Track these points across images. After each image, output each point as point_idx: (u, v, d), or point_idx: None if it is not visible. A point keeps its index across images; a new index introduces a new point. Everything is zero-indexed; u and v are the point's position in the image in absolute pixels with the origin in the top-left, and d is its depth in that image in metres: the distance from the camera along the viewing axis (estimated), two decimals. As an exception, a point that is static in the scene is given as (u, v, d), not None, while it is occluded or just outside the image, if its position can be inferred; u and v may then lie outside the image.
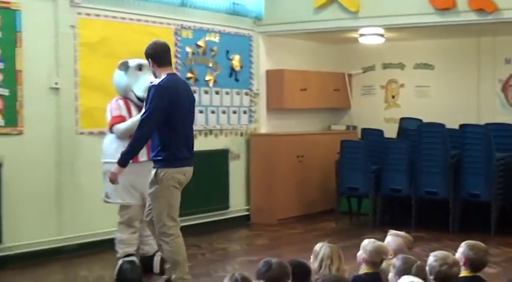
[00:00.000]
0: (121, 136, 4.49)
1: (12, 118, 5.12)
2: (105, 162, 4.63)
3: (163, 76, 3.88)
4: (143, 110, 3.93)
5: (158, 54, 3.96)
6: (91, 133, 5.63)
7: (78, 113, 5.57)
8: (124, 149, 3.92)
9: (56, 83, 5.43)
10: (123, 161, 3.89)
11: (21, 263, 5.12)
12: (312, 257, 3.19)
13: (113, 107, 4.60)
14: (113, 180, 4.03)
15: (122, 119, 4.53)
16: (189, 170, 4.04)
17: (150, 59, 3.94)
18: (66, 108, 5.46)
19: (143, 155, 4.38)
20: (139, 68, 4.60)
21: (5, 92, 5.17)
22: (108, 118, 4.63)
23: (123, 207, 4.69)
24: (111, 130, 4.70)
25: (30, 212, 5.24)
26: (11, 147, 5.14)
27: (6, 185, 5.05)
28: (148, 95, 3.83)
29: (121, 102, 4.58)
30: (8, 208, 5.04)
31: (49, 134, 5.40)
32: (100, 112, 5.18)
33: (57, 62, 5.36)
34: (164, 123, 3.79)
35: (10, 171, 5.09)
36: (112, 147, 4.54)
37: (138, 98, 4.55)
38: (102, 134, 5.24)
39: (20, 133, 5.21)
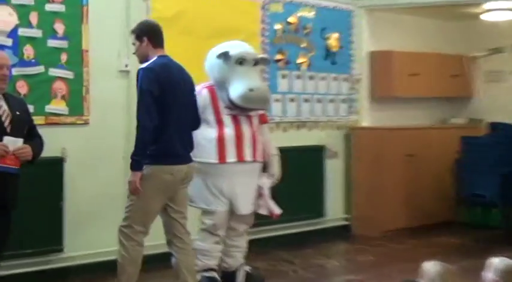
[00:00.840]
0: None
1: (77, 105, 4.95)
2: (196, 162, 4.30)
3: (154, 59, 3.74)
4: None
5: (156, 32, 3.83)
6: None
7: None
8: (133, 151, 3.69)
9: (126, 65, 5.17)
10: (136, 165, 3.69)
11: (85, 275, 4.94)
12: (419, 279, 2.87)
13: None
14: (135, 191, 3.77)
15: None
16: (180, 169, 3.83)
17: (145, 37, 3.76)
18: (135, 94, 4.78)
19: (247, 155, 4.24)
20: (241, 61, 4.23)
21: (69, 74, 4.98)
22: None
23: (207, 213, 4.43)
24: None
25: (97, 216, 5.04)
26: (75, 139, 4.94)
27: (69, 183, 4.87)
28: (137, 80, 3.67)
29: (205, 92, 4.24)
30: (70, 211, 4.88)
31: (118, 124, 5.15)
32: None
33: (127, 41, 4.91)
34: (161, 113, 3.66)
35: (74, 167, 4.90)
36: (202, 144, 4.24)
37: (231, 102, 4.22)
38: None
39: (86, 123, 5.02)
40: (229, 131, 4.21)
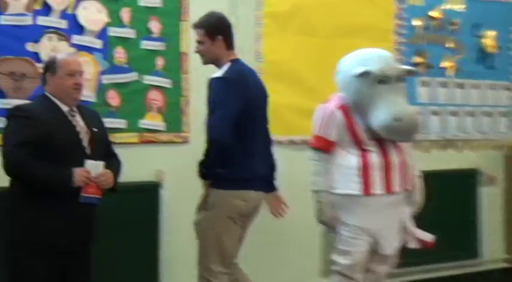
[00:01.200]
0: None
1: (175, 120, 4.53)
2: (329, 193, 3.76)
3: (227, 64, 3.37)
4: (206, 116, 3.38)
5: (231, 30, 3.46)
6: (278, 142, 4.73)
7: None
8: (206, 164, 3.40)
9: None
10: (203, 175, 3.42)
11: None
12: None
13: (322, 116, 3.67)
14: None
15: (327, 144, 3.64)
16: (257, 196, 3.48)
17: (220, 36, 3.40)
18: None
19: (396, 185, 3.67)
20: (383, 79, 3.60)
21: (166, 83, 4.54)
22: (313, 131, 3.72)
23: (342, 252, 3.77)
24: (311, 151, 3.85)
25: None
26: (173, 160, 4.51)
27: (167, 211, 4.43)
28: (210, 91, 3.33)
29: (339, 114, 3.62)
30: (168, 244, 4.46)
31: None
32: (292, 113, 4.78)
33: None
34: (238, 129, 3.33)
35: (172, 193, 4.49)
36: (338, 172, 3.72)
37: (372, 130, 3.65)
38: (294, 144, 4.80)
39: (185, 141, 4.58)
40: (374, 157, 3.68)
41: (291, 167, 4.44)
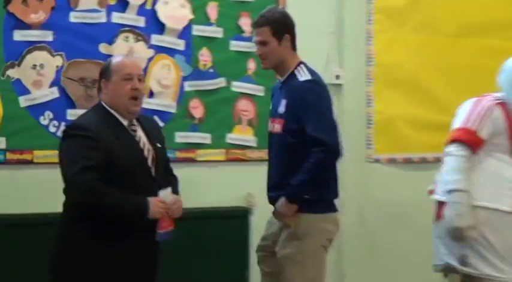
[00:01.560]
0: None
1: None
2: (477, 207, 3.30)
3: (304, 67, 3.24)
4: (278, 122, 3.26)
5: (295, 28, 3.29)
6: (391, 161, 4.66)
7: (372, 127, 4.65)
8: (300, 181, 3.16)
9: (338, 76, 4.53)
10: (298, 196, 3.18)
11: None
12: None
13: (473, 109, 3.33)
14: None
15: (475, 140, 3.26)
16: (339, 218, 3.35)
17: (287, 35, 3.22)
18: (352, 118, 4.57)
19: None
20: None
21: (259, 90, 4.31)
22: (456, 124, 3.35)
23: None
24: (451, 145, 3.33)
25: None
26: (265, 181, 3.99)
27: (257, 239, 3.99)
28: (299, 96, 3.16)
29: (498, 111, 3.32)
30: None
31: None
32: (408, 126, 4.58)
33: (338, 42, 4.53)
34: None
35: (263, 218, 3.99)
36: (487, 182, 3.28)
37: None
38: (410, 163, 4.58)
39: None
40: None
41: (407, 190, 4.42)
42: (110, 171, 2.72)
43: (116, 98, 2.83)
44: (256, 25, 3.25)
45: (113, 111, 2.84)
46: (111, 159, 2.73)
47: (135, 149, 2.84)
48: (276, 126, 3.22)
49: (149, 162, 2.86)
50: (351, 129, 4.55)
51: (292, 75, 3.22)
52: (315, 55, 4.31)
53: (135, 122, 2.90)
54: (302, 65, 3.25)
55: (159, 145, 2.93)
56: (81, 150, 2.71)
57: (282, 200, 3.15)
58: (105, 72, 2.87)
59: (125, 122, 2.86)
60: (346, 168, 4.41)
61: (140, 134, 2.89)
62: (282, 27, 3.22)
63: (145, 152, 2.87)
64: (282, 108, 3.21)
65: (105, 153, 2.72)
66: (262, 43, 3.22)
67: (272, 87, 3.41)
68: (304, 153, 3.10)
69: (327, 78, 4.22)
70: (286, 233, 3.20)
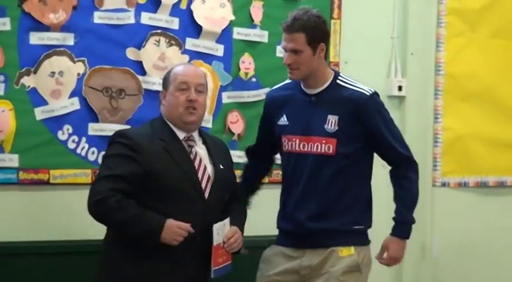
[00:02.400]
0: None
1: None
2: None
3: (348, 77, 3.20)
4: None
5: (329, 37, 3.26)
6: (461, 185, 4.62)
7: (439, 146, 4.58)
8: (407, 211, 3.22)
9: (400, 87, 4.48)
10: (410, 230, 3.24)
11: None
12: None
13: None
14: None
15: None
16: None
17: (323, 43, 3.11)
18: (416, 135, 4.50)
19: None
20: None
21: None
22: None
23: None
24: None
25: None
26: None
27: None
28: (367, 113, 3.12)
29: None
30: None
31: (382, 183, 4.23)
32: (482, 145, 4.56)
33: (402, 48, 4.49)
34: (369, 164, 3.24)
35: None
36: None
37: None
38: (484, 187, 4.56)
39: None
40: None
41: (479, 219, 4.40)
42: (151, 185, 2.78)
43: (171, 109, 2.91)
44: (288, 29, 3.10)
45: (169, 124, 2.92)
46: (152, 172, 2.78)
47: (186, 165, 2.87)
48: (322, 147, 3.07)
49: (203, 182, 2.88)
50: (414, 148, 4.46)
51: (334, 86, 3.12)
52: (374, 63, 4.47)
53: (195, 137, 2.95)
54: (343, 75, 3.19)
55: (221, 166, 2.95)
56: (114, 157, 2.81)
57: (395, 242, 3.16)
58: (165, 82, 2.98)
59: (181, 135, 2.91)
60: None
61: (198, 151, 2.93)
62: (318, 35, 3.08)
63: (200, 172, 2.89)
64: (331, 126, 3.08)
65: (143, 165, 2.77)
66: (294, 51, 3.09)
67: (270, 96, 3.22)
68: (356, 177, 3.10)
69: (388, 90, 4.46)
70: (342, 265, 3.13)
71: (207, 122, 3.93)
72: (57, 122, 3.59)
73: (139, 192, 2.75)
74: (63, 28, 3.58)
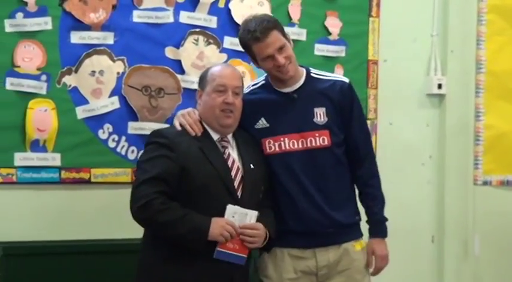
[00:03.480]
0: None
1: None
2: None
3: (304, 71, 3.21)
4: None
5: None
6: (504, 183, 4.56)
7: (481, 144, 4.55)
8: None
9: (440, 85, 4.47)
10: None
11: None
12: None
13: None
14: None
15: None
16: None
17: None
18: (457, 134, 4.55)
19: None
20: None
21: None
22: None
23: None
24: None
25: None
26: None
27: None
28: (349, 101, 3.20)
29: None
30: None
31: (421, 181, 4.49)
32: None
33: (442, 45, 4.47)
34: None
35: None
36: None
37: None
38: None
39: None
40: None
41: None
42: (185, 184, 2.79)
43: (207, 110, 2.92)
44: (263, 34, 3.01)
45: (204, 124, 2.93)
46: (186, 171, 2.79)
47: (220, 166, 2.87)
48: (317, 140, 3.07)
49: (236, 183, 2.88)
50: (455, 146, 4.49)
51: (311, 80, 3.12)
52: (413, 61, 4.46)
53: (229, 137, 2.96)
54: (312, 69, 3.19)
55: (252, 166, 2.93)
56: (151, 159, 2.82)
57: (379, 242, 3.15)
58: (201, 82, 2.97)
59: (216, 136, 2.93)
60: (449, 192, 4.50)
61: (231, 152, 2.93)
62: (282, 28, 3.10)
63: (233, 172, 2.89)
64: (320, 118, 3.09)
65: (179, 163, 2.79)
66: (280, 48, 3.04)
67: (246, 100, 3.04)
68: (346, 165, 3.11)
69: (427, 88, 4.47)
70: (361, 260, 3.17)
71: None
72: (97, 121, 3.63)
73: (176, 193, 2.77)
74: (103, 27, 3.62)
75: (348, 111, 3.12)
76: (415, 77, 4.46)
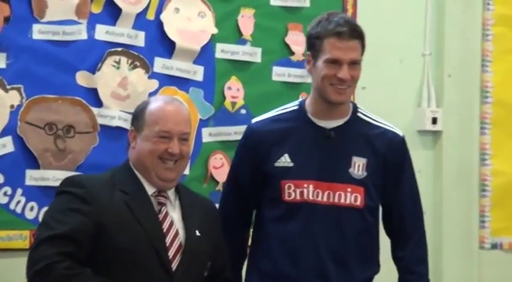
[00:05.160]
0: None
1: None
2: None
3: (367, 111, 3.33)
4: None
5: None
6: None
7: (488, 195, 4.69)
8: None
9: (434, 119, 4.58)
10: None
11: None
12: None
13: None
14: None
15: None
16: None
17: None
18: (456, 181, 4.65)
19: None
20: None
21: None
22: None
23: None
24: None
25: None
26: None
27: None
28: (400, 161, 3.26)
29: None
30: None
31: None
32: None
33: (436, 68, 4.55)
34: None
35: None
36: None
37: None
38: None
39: None
40: None
41: None
42: (103, 247, 2.77)
43: (142, 157, 2.91)
44: (349, 35, 3.07)
45: (137, 173, 2.92)
46: (104, 230, 2.77)
47: (152, 227, 2.85)
48: (348, 197, 3.07)
49: (171, 251, 2.85)
50: (455, 198, 4.52)
51: (356, 120, 3.14)
52: (401, 88, 4.53)
53: (171, 195, 2.96)
54: (361, 107, 3.24)
55: (198, 233, 2.92)
56: (59, 213, 2.80)
57: None
58: (136, 120, 2.95)
59: (151, 191, 2.91)
60: (448, 258, 4.52)
61: (170, 212, 2.93)
62: (365, 46, 3.11)
63: (169, 237, 2.87)
64: (358, 171, 3.08)
65: (94, 220, 2.76)
66: (353, 63, 3.07)
67: (258, 130, 3.11)
68: (377, 237, 3.17)
69: (419, 123, 4.53)
70: None
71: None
72: None
73: (89, 258, 2.74)
74: None
75: (396, 172, 3.13)
76: (403, 109, 4.50)
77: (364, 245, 3.16)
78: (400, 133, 3.18)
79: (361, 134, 3.11)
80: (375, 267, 3.26)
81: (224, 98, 4.09)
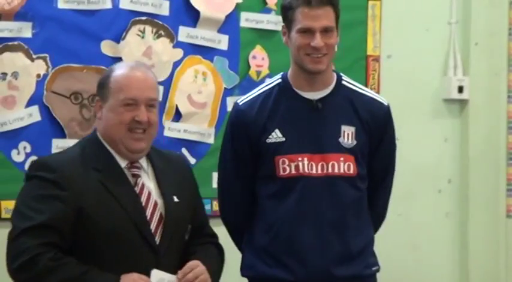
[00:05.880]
0: None
1: None
2: None
3: (335, 77, 3.30)
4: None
5: None
6: None
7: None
8: None
9: (461, 88, 4.55)
10: None
11: None
12: None
13: None
14: None
15: None
16: None
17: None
18: (483, 150, 4.63)
19: None
20: None
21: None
22: None
23: None
24: None
25: None
26: None
27: None
28: (385, 129, 3.30)
29: None
30: None
31: (438, 213, 4.63)
32: None
33: (463, 36, 4.55)
34: None
35: None
36: None
37: None
38: None
39: None
40: None
41: None
42: (83, 232, 2.74)
43: (110, 129, 2.83)
44: (320, 1, 3.03)
45: (107, 146, 2.85)
46: (84, 214, 2.73)
47: (131, 203, 2.82)
48: (341, 166, 3.07)
49: (153, 224, 2.84)
50: (481, 167, 4.53)
51: (342, 89, 3.13)
52: (426, 57, 4.52)
53: (142, 162, 2.90)
54: (345, 76, 3.22)
55: (176, 199, 2.87)
56: (34, 200, 2.74)
57: None
58: (101, 89, 2.87)
59: (123, 163, 2.85)
60: (475, 228, 4.56)
61: (145, 182, 2.87)
62: (339, 13, 3.09)
63: (149, 210, 2.84)
64: (348, 140, 3.09)
65: (72, 205, 2.72)
66: (326, 30, 3.02)
67: (245, 110, 3.05)
68: (366, 205, 3.19)
69: (445, 92, 4.53)
70: None
71: (208, 137, 3.98)
72: (10, 138, 3.63)
73: (71, 245, 2.73)
74: (18, 16, 3.60)
75: (377, 140, 3.16)
76: (429, 78, 4.51)
77: (359, 211, 3.17)
78: (385, 102, 3.18)
79: (348, 102, 3.12)
80: (371, 231, 3.28)
81: (249, 67, 4.09)
